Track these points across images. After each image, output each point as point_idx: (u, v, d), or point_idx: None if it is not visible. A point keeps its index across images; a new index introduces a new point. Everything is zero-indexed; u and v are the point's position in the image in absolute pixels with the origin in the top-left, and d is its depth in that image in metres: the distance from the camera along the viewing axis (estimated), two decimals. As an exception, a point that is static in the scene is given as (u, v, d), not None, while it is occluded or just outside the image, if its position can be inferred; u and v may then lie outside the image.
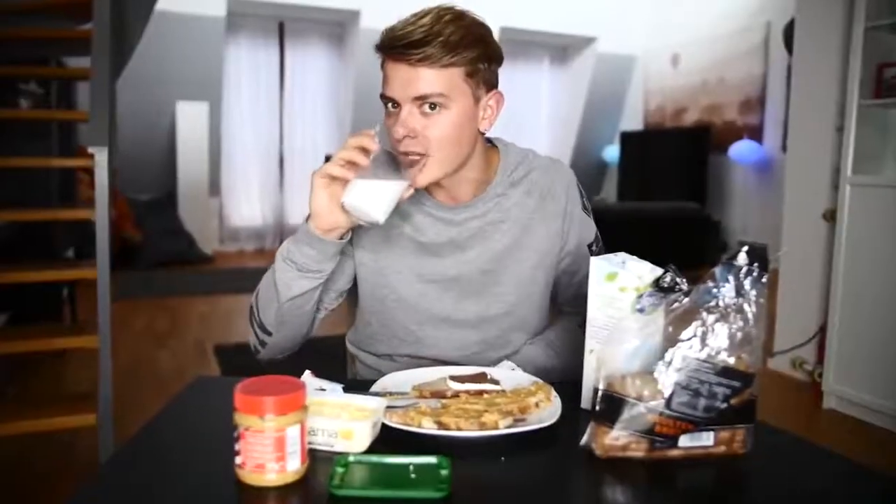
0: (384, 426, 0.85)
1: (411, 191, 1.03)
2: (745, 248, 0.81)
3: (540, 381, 0.99)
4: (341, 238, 1.06)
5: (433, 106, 1.04)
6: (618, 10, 7.34)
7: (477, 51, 1.05)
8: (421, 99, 1.03)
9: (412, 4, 1.11)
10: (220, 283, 5.39)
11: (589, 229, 1.24)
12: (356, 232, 1.18)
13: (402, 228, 1.18)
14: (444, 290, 1.18)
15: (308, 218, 1.05)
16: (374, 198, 0.99)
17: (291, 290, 1.08)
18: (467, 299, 1.19)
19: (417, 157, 1.04)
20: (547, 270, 1.21)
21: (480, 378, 1.02)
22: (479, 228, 1.18)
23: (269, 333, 1.13)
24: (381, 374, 1.13)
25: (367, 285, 1.21)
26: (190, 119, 6.52)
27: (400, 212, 1.17)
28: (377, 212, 0.99)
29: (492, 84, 1.10)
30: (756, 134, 6.27)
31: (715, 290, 0.81)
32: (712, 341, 0.79)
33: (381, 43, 1.05)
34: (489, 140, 1.22)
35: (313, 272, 1.07)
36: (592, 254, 1.20)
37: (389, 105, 1.07)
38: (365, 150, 0.98)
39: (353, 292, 1.26)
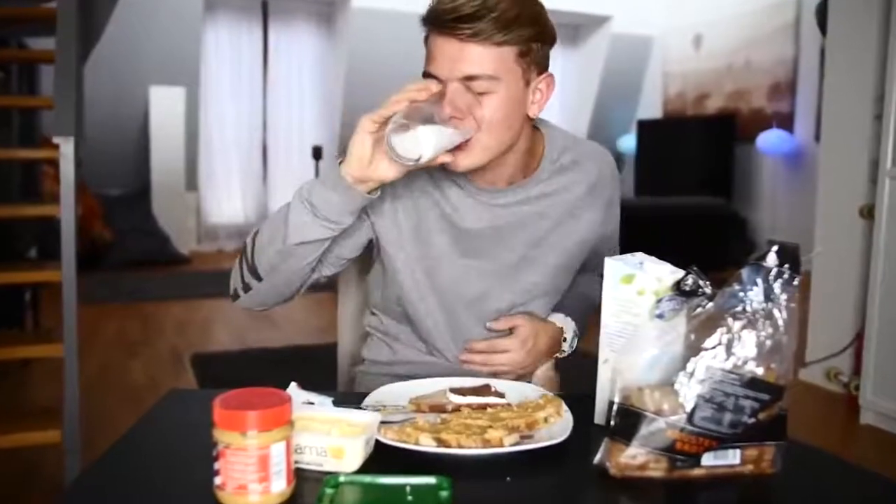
0: (378, 443, 0.85)
1: (449, 157, 1.04)
2: (775, 247, 0.81)
3: (549, 394, 0.99)
4: (371, 193, 1.06)
5: (482, 87, 1.05)
6: (634, -15, 7.35)
7: (532, 30, 1.06)
8: (469, 79, 1.05)
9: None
10: (198, 287, 5.39)
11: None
12: (388, 218, 1.18)
13: (439, 209, 1.19)
14: (479, 276, 1.21)
15: (341, 162, 1.04)
16: (425, 133, 0.98)
17: (302, 234, 1.07)
18: (502, 288, 1.22)
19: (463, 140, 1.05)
20: (580, 259, 1.27)
21: (484, 391, 1.02)
22: (520, 215, 1.20)
23: (259, 279, 1.14)
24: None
25: (399, 267, 1.22)
26: (165, 106, 6.53)
27: (436, 193, 1.19)
28: (425, 145, 0.98)
29: (543, 66, 1.12)
30: (786, 122, 6.28)
31: (742, 294, 0.81)
32: (739, 350, 0.79)
33: (427, 15, 1.06)
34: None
35: (330, 222, 1.06)
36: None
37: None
38: (428, 91, 0.99)
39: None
